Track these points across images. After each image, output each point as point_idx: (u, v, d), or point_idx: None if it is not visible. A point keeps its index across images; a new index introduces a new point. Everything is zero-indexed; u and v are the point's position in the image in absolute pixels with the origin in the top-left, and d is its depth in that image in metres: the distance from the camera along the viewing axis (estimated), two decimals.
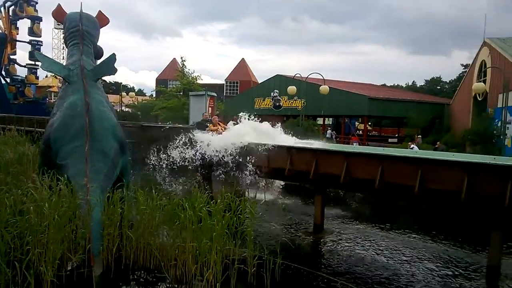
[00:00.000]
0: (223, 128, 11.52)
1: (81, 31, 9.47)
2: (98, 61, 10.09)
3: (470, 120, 24.04)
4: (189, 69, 35.33)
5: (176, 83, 39.22)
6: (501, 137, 17.36)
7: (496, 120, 18.95)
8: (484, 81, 22.69)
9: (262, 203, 9.70)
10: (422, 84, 64.50)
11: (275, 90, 35.45)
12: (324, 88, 18.97)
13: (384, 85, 57.88)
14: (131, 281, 5.93)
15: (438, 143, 18.64)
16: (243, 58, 55.63)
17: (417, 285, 6.43)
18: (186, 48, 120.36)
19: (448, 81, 59.46)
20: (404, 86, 66.08)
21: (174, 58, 53.13)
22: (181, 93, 34.22)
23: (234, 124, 11.37)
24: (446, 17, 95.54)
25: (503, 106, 16.85)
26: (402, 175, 6.93)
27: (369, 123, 44.72)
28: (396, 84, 66.58)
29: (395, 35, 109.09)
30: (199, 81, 36.15)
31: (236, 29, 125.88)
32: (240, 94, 46.82)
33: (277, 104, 35.47)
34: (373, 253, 7.96)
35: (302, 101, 29.23)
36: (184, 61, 35.28)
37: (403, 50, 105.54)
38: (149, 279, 5.95)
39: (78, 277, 5.58)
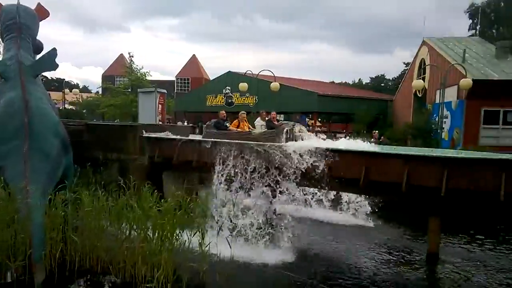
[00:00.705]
0: (248, 127, 10.44)
1: (18, 24, 8.89)
2: (38, 56, 9.52)
3: (411, 115, 25.51)
4: (137, 65, 34.27)
5: (124, 80, 37.87)
6: (439, 131, 18.58)
7: (434, 115, 20.25)
8: (424, 79, 24.12)
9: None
10: (368, 81, 67.34)
11: (227, 87, 35.36)
12: (275, 85, 19.21)
13: (333, 82, 59.77)
14: (77, 286, 5.67)
15: (382, 137, 19.59)
16: (194, 55, 54.84)
17: (362, 272, 6.70)
18: (134, 44, 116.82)
19: (391, 79, 62.52)
20: (351, 83, 68.63)
21: (122, 54, 51.25)
22: (130, 90, 33.12)
23: (266, 125, 10.12)
24: (390, 18, 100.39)
25: (440, 102, 18.03)
26: (350, 169, 7.19)
27: (319, 119, 45.99)
28: (344, 82, 68.98)
29: (343, 35, 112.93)
30: (148, 78, 35.18)
31: (186, 25, 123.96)
32: (191, 91, 46.20)
33: (229, 101, 35.43)
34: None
35: (254, 97, 29.42)
36: (132, 56, 34.16)
37: (350, 49, 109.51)
38: (96, 283, 5.72)
39: (18, 285, 5.24)
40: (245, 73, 21.07)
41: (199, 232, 5.86)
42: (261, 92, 27.94)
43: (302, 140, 8.80)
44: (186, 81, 51.18)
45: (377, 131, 19.07)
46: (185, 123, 32.62)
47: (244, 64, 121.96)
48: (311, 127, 37.46)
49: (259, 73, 20.23)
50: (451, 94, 19.49)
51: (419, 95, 24.87)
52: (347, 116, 36.34)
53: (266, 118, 10.65)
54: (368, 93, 42.37)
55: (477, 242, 8.56)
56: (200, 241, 5.76)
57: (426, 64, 24.24)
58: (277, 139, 8.53)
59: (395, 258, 7.53)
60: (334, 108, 32.72)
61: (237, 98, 34.35)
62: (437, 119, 19.07)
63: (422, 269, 7.06)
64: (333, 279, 6.35)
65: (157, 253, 5.39)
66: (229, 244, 6.11)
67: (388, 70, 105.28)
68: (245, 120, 10.87)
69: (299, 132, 9.31)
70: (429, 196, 6.69)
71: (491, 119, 18.58)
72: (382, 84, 63.94)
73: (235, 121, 10.84)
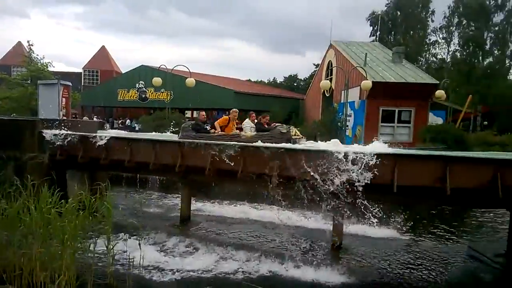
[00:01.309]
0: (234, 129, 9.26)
1: None
2: None
3: (320, 113, 27.14)
4: (37, 55, 31.13)
5: (22, 70, 34.17)
6: (343, 128, 20.06)
7: (340, 114, 21.80)
8: (331, 80, 25.80)
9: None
10: (282, 80, 69.92)
11: (140, 82, 33.96)
12: (190, 81, 18.96)
13: (249, 80, 60.84)
14: None
15: (212, 130, 20.54)
16: (103, 46, 51.51)
17: (268, 263, 6.95)
18: (35, 32, 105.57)
19: (303, 79, 65.71)
20: (266, 82, 70.58)
21: (19, 42, 46.17)
22: (29, 82, 29.99)
23: (256, 127, 9.08)
24: (302, 21, 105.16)
25: (345, 101, 19.47)
26: (263, 165, 7.43)
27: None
28: (260, 80, 70.65)
29: (258, 34, 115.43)
30: (50, 69, 32.16)
31: (94, 13, 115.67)
32: (100, 84, 43.40)
33: (143, 96, 34.09)
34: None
35: (169, 93, 28.69)
36: (32, 45, 30.91)
37: (265, 48, 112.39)
38: None
39: None
40: (159, 67, 20.43)
41: (107, 233, 5.57)
42: (176, 88, 27.38)
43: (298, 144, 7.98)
44: (95, 73, 47.93)
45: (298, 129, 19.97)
46: (94, 118, 30.60)
47: (158, 59, 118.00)
48: None
49: (174, 68, 19.78)
50: (354, 95, 21.15)
51: (327, 95, 26.54)
52: (262, 113, 37.39)
53: (255, 120, 9.67)
54: (282, 91, 44.03)
55: None
56: (106, 244, 5.48)
57: (333, 66, 25.92)
58: (274, 143, 7.69)
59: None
60: (250, 105, 33.37)
61: (152, 93, 33.20)
62: (342, 117, 20.55)
63: None
64: None
65: (58, 258, 5.00)
66: (140, 246, 5.95)
67: (300, 70, 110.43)
68: (236, 120, 9.72)
69: (295, 135, 8.55)
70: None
71: (388, 118, 20.58)
72: (295, 84, 66.89)
73: (223, 119, 9.62)
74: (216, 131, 9.16)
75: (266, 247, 7.88)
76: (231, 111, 9.89)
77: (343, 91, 20.68)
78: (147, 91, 33.60)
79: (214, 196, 11.64)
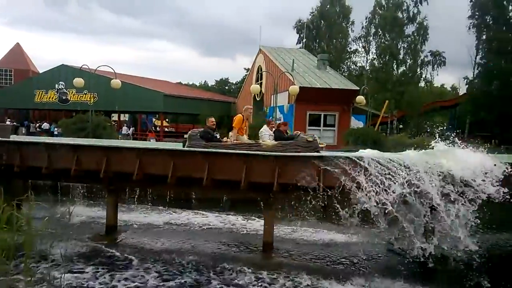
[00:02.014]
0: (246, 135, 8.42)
1: None
2: None
3: (251, 117, 27.53)
4: None
5: None
6: None
7: (270, 117, 22.35)
8: (261, 84, 26.37)
9: None
10: (213, 84, 69.90)
11: (60, 82, 31.71)
12: (116, 82, 18.11)
13: (180, 83, 59.87)
14: None
15: (225, 138, 20.59)
16: (18, 43, 47.25)
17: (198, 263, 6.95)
18: None
19: (234, 82, 66.35)
20: (198, 85, 70.03)
21: None
22: None
23: (275, 135, 8.31)
24: (232, 24, 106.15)
25: (274, 105, 20.01)
26: (193, 168, 7.40)
27: (166, 120, 45.50)
28: (191, 83, 69.85)
29: (189, 36, 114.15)
30: None
31: (7, 7, 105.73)
32: (15, 84, 39.74)
33: (64, 97, 31.85)
34: None
35: (93, 95, 27.16)
36: None
37: (196, 51, 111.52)
38: None
39: None
40: (81, 67, 19.24)
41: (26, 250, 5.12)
42: (101, 90, 26.03)
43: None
44: (8, 72, 43.74)
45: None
46: (7, 122, 27.91)
47: (81, 58, 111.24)
48: (158, 128, 36.87)
49: (98, 69, 18.76)
50: (283, 99, 21.85)
51: (258, 99, 27.07)
52: (194, 117, 36.99)
53: (273, 128, 8.84)
54: (213, 95, 43.97)
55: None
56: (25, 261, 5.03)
57: (262, 70, 26.54)
58: (300, 153, 7.23)
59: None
60: (181, 108, 32.88)
61: (73, 95, 31.16)
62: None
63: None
64: None
65: None
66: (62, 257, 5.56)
67: (231, 74, 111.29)
68: (247, 120, 8.75)
69: (320, 144, 7.95)
70: (265, 191, 7.41)
71: (315, 121, 21.58)
72: (227, 87, 67.28)
73: (239, 119, 8.53)
74: (228, 140, 8.29)
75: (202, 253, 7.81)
76: (245, 108, 8.94)
77: (272, 96, 21.23)
78: (68, 93, 31.46)
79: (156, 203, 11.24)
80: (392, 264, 7.52)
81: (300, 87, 19.09)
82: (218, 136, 8.43)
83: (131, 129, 31.10)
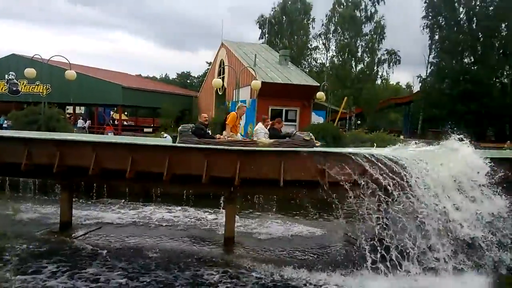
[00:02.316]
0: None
1: None
2: None
3: (214, 111, 27.39)
4: None
5: None
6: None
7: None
8: (223, 78, 26.23)
9: None
10: (175, 77, 68.70)
11: (10, 72, 29.90)
12: (70, 73, 17.28)
13: (139, 75, 58.27)
14: None
15: (218, 135, 20.38)
16: None
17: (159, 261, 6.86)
18: None
19: (196, 76, 65.56)
20: (158, 78, 68.53)
21: None
22: None
23: (270, 133, 8.10)
24: (194, 17, 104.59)
25: (236, 100, 19.97)
26: (153, 162, 7.24)
27: (125, 113, 44.21)
28: (152, 76, 68.23)
29: (150, 27, 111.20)
30: None
31: None
32: None
33: (14, 88, 30.08)
34: None
35: (46, 86, 25.87)
36: None
37: (157, 43, 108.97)
38: None
39: None
40: (33, 57, 18.22)
41: None
42: (55, 81, 24.86)
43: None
44: None
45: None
46: None
47: (34, 48, 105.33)
48: (117, 121, 35.72)
49: (51, 59, 17.83)
50: (245, 94, 21.86)
51: (220, 93, 26.92)
52: (154, 110, 36.16)
53: (268, 126, 8.66)
54: (175, 88, 43.23)
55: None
56: None
57: (225, 65, 26.40)
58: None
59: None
60: (140, 101, 32.04)
61: (24, 86, 29.50)
62: None
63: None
64: None
65: None
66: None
67: (193, 67, 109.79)
68: (240, 118, 8.51)
69: (316, 142, 7.85)
70: (226, 185, 7.40)
71: (277, 117, 21.74)
72: (188, 81, 66.38)
73: (233, 116, 8.37)
74: (221, 136, 8.06)
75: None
76: (239, 106, 8.78)
77: (235, 90, 21.19)
78: (18, 84, 29.74)
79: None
80: (349, 253, 7.80)
81: (262, 82, 19.16)
82: (210, 132, 8.15)
83: (87, 122, 29.97)
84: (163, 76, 71.66)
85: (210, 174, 7.08)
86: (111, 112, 40.39)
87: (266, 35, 40.57)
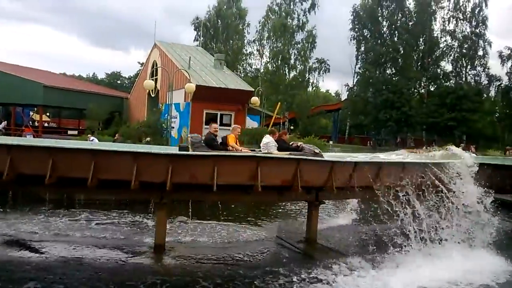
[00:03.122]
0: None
1: None
2: None
3: (145, 114, 26.50)
4: None
5: None
6: (168, 129, 20.10)
7: (166, 115, 21.75)
8: (156, 80, 25.50)
9: None
10: (104, 77, 65.38)
11: None
12: None
13: (64, 74, 54.54)
14: None
15: (116, 135, 19.42)
16: None
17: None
18: None
19: (127, 77, 62.99)
20: (85, 77, 64.75)
21: None
22: None
23: (279, 145, 8.11)
24: (125, 15, 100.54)
25: (170, 102, 19.52)
26: (77, 167, 6.74)
27: (47, 114, 41.08)
28: (78, 75, 64.23)
29: (76, 23, 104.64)
30: None
31: None
32: None
33: None
34: None
35: None
36: None
37: (84, 40, 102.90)
38: None
39: None
40: None
41: None
42: None
43: None
44: None
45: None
46: None
47: None
48: (37, 123, 32.97)
49: None
50: (179, 96, 21.44)
51: (153, 95, 26.11)
52: (80, 111, 34.02)
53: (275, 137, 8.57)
54: (103, 89, 41.08)
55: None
56: None
57: (158, 66, 25.70)
58: None
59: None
60: (64, 102, 29.92)
61: None
62: (167, 119, 20.58)
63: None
64: None
65: None
66: None
67: (124, 67, 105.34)
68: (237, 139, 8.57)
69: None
70: (157, 190, 7.13)
71: (211, 120, 21.59)
72: (119, 81, 63.58)
73: (233, 138, 8.26)
74: (231, 149, 7.96)
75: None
76: (234, 128, 8.89)
77: (168, 92, 20.69)
78: None
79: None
80: (281, 255, 7.94)
81: (196, 85, 18.94)
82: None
83: (3, 123, 27.30)
84: (91, 75, 67.91)
85: (140, 179, 6.76)
86: (31, 113, 37.25)
87: (201, 38, 40.24)
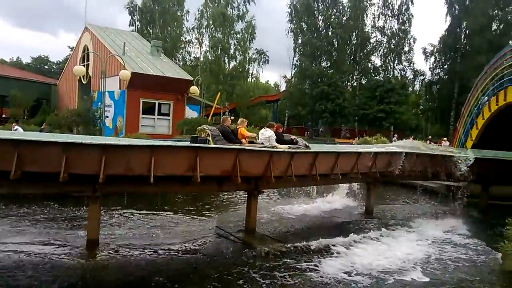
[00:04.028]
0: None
1: None
2: None
3: (76, 102, 24.92)
4: None
5: None
6: (102, 119, 19.09)
7: (99, 103, 20.62)
8: (88, 66, 24.01)
9: None
10: (29, 61, 60.24)
11: None
12: None
13: None
14: None
15: (44, 124, 18.08)
16: None
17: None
18: None
19: (56, 62, 58.62)
20: (8, 61, 59.19)
21: None
22: None
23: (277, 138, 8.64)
24: None
25: (103, 90, 18.53)
26: None
27: None
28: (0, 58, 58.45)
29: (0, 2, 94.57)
30: None
31: None
32: None
33: None
34: None
35: None
36: None
37: (7, 20, 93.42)
38: None
39: None
40: None
41: None
42: None
43: None
44: None
45: None
46: None
47: None
48: None
49: None
50: (114, 84, 20.42)
51: (84, 82, 24.61)
52: (2, 98, 31.11)
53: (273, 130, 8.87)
54: (28, 74, 37.90)
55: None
56: None
57: (89, 51, 24.23)
58: None
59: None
60: None
61: None
62: (101, 107, 19.54)
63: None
64: None
65: None
66: None
67: (52, 52, 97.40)
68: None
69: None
70: (89, 183, 6.76)
71: (149, 110, 20.90)
72: (46, 66, 59.00)
73: (242, 131, 8.40)
74: (245, 142, 8.21)
75: None
76: (242, 121, 8.98)
77: (101, 80, 19.63)
78: None
79: None
80: (220, 245, 7.97)
81: (132, 73, 18.17)
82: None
83: None
84: (14, 59, 62.22)
85: (70, 171, 6.36)
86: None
87: (137, 23, 38.49)
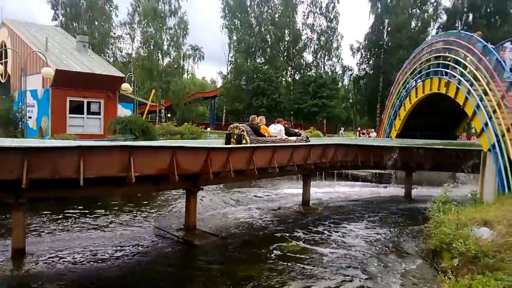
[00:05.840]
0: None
1: None
2: None
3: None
4: None
5: None
6: (24, 120, 17.68)
7: (20, 103, 19.03)
8: (6, 63, 22.09)
9: None
10: None
11: None
12: None
13: None
14: None
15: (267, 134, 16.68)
16: None
17: None
18: None
19: None
20: None
21: None
22: None
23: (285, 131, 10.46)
24: None
25: (24, 89, 17.12)
26: None
27: None
28: None
29: None
30: None
31: None
32: None
33: None
34: None
35: None
36: None
37: None
38: None
39: None
40: None
41: None
42: None
43: None
44: None
45: None
46: None
47: None
48: None
49: None
50: (36, 82, 18.96)
51: (3, 81, 22.58)
52: None
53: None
54: None
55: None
56: None
57: (6, 47, 22.27)
58: None
59: None
60: None
61: None
62: (22, 107, 18.08)
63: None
64: None
65: None
66: None
67: None
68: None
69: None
70: (12, 189, 6.26)
71: (77, 109, 19.67)
72: None
73: (264, 128, 9.89)
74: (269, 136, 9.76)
75: None
76: (260, 119, 10.21)
77: (22, 78, 18.10)
78: None
79: None
80: (159, 245, 7.81)
81: (56, 70, 16.98)
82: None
83: None
84: None
85: None
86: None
87: (61, 18, 35.99)
